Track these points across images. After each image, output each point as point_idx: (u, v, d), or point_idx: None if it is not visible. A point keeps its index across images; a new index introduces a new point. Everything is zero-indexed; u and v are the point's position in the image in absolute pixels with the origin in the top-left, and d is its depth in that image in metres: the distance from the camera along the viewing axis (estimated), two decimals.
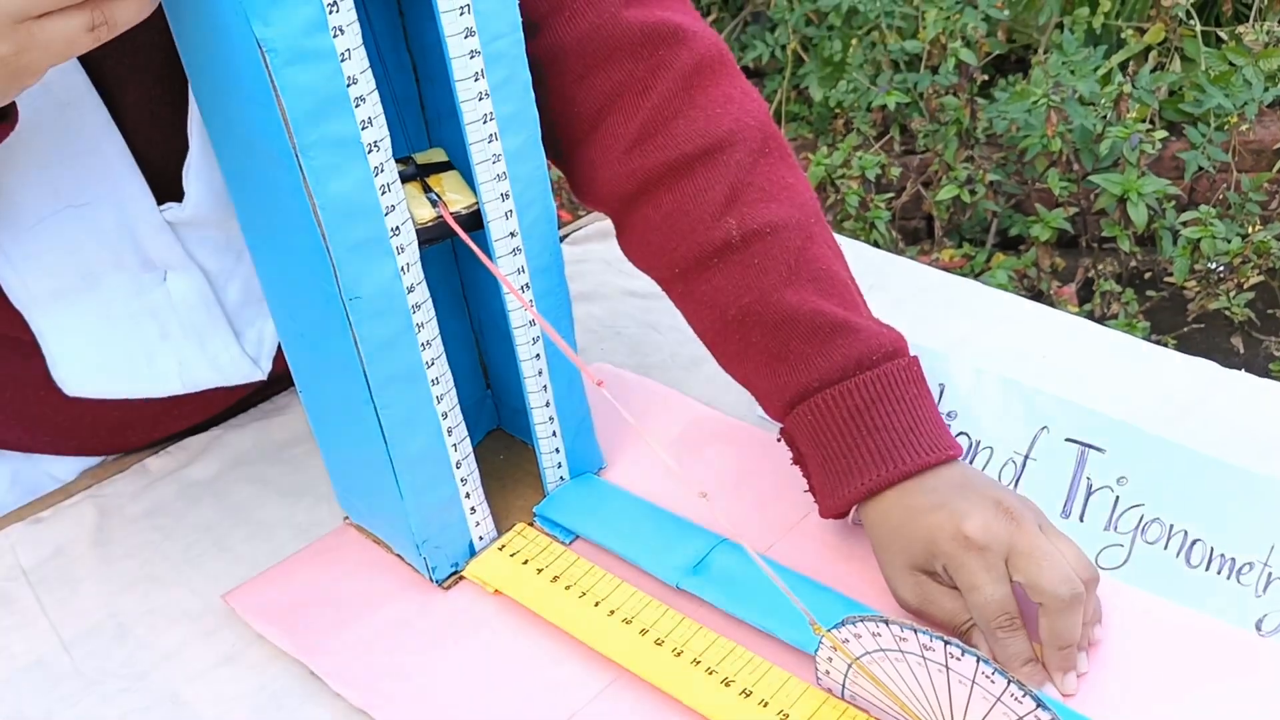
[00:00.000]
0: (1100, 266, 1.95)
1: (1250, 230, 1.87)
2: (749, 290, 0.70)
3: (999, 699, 0.54)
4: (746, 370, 0.73)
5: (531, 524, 0.76)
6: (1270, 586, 0.66)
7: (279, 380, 0.86)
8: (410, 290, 0.64)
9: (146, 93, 0.70)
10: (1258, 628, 0.66)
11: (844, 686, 0.61)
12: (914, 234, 2.28)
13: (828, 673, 0.62)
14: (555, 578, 0.71)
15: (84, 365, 0.75)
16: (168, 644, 0.71)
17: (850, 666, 0.59)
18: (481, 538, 0.74)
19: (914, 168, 2.14)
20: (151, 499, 0.82)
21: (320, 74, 0.56)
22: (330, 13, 0.55)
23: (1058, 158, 1.89)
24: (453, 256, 0.77)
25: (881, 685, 0.59)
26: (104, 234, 0.71)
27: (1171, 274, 1.89)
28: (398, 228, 0.62)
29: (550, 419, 0.74)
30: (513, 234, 0.68)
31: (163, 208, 0.72)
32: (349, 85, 0.57)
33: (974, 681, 0.54)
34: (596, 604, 0.69)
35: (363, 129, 0.59)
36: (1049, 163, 1.92)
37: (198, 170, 0.71)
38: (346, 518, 0.78)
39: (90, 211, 0.70)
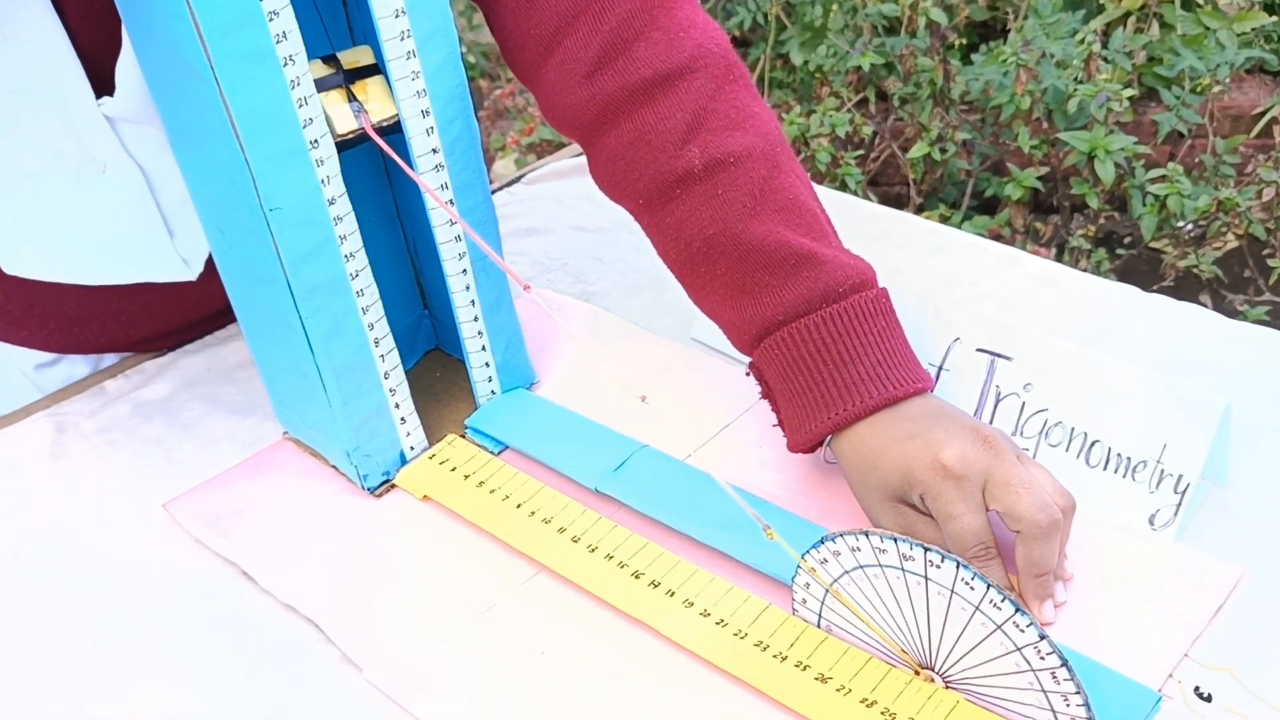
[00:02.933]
0: (1072, 225, 1.97)
1: (1221, 191, 1.89)
2: (714, 221, 0.69)
3: (978, 607, 0.55)
4: (713, 303, 0.72)
5: (463, 435, 0.79)
6: (1162, 483, 0.68)
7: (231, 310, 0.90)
8: (332, 202, 0.67)
9: None
10: (1150, 522, 0.68)
11: (820, 616, 0.62)
12: (894, 199, 2.30)
13: (804, 601, 0.62)
14: (481, 483, 0.74)
15: (23, 246, 0.78)
16: (110, 548, 0.74)
17: (826, 593, 0.60)
18: (413, 448, 0.76)
19: (890, 131, 2.16)
20: (106, 417, 0.85)
21: None
22: None
23: (1028, 117, 1.90)
24: (386, 179, 0.80)
25: (858, 612, 0.60)
26: (43, 122, 0.74)
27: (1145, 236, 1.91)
28: (316, 140, 0.65)
29: (479, 333, 0.77)
30: (435, 150, 0.70)
31: (99, 102, 0.74)
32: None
33: (953, 590, 0.55)
34: (519, 506, 0.72)
35: (277, 42, 0.62)
36: (1023, 123, 1.94)
37: (130, 66, 0.72)
38: (285, 433, 0.81)
39: (30, 99, 0.73)
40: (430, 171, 0.70)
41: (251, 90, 0.62)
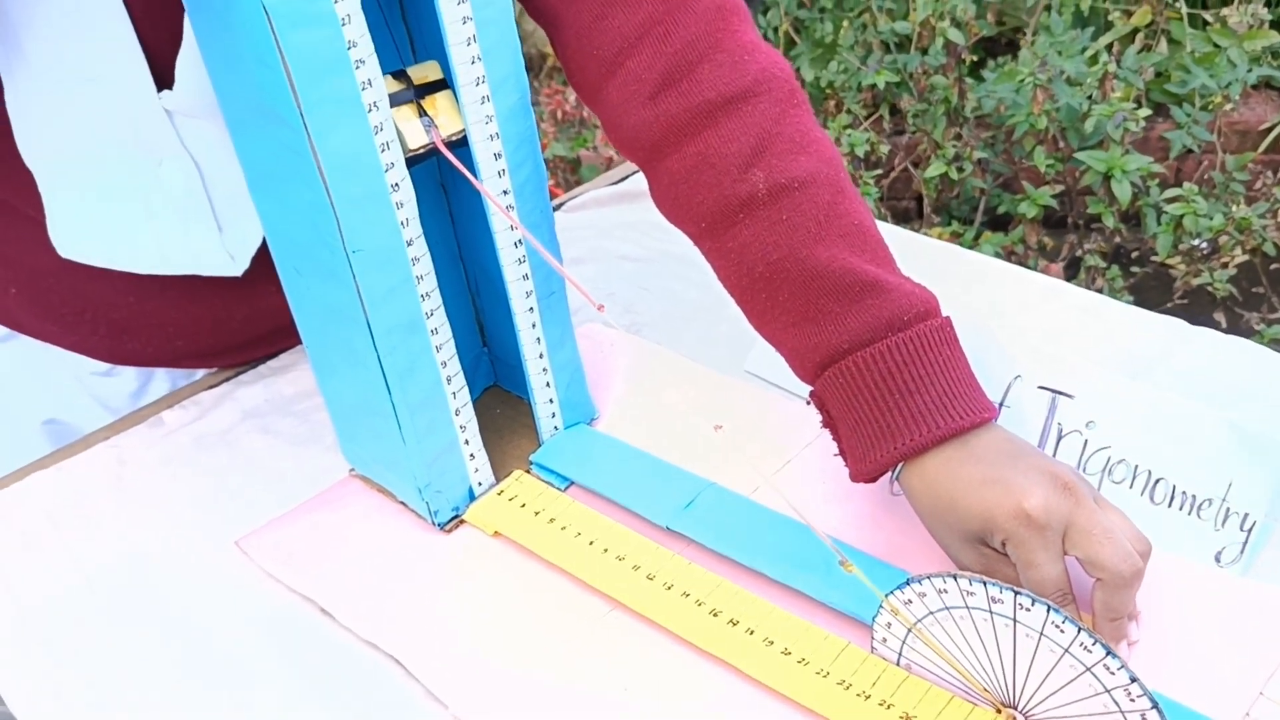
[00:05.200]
0: (1087, 244, 1.99)
1: (1234, 209, 1.91)
2: (778, 246, 0.68)
3: (1067, 649, 0.55)
4: (775, 330, 0.71)
5: (528, 472, 0.80)
6: (1228, 521, 0.70)
7: (286, 334, 0.90)
8: (410, 244, 0.67)
9: None
10: (1216, 560, 0.69)
11: (900, 654, 0.63)
12: (904, 214, 2.31)
13: (884, 640, 0.63)
14: (552, 519, 0.75)
15: (77, 230, 0.80)
16: (183, 581, 0.74)
17: (909, 633, 0.61)
18: (481, 484, 0.77)
19: (903, 147, 2.18)
20: (167, 449, 0.85)
21: (322, 36, 0.60)
22: None
23: (1044, 136, 1.92)
24: (449, 220, 0.81)
25: (941, 651, 0.60)
26: (107, 111, 0.75)
27: (1158, 253, 1.93)
28: (397, 184, 0.66)
29: (544, 370, 0.78)
30: (505, 191, 0.71)
31: (160, 95, 0.75)
32: (350, 48, 0.61)
33: (1042, 633, 0.55)
34: (591, 543, 0.73)
35: (363, 89, 0.62)
36: (1036, 141, 1.96)
37: (190, 60, 0.73)
38: (351, 469, 0.81)
39: (96, 88, 0.74)
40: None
41: (338, 135, 0.62)
